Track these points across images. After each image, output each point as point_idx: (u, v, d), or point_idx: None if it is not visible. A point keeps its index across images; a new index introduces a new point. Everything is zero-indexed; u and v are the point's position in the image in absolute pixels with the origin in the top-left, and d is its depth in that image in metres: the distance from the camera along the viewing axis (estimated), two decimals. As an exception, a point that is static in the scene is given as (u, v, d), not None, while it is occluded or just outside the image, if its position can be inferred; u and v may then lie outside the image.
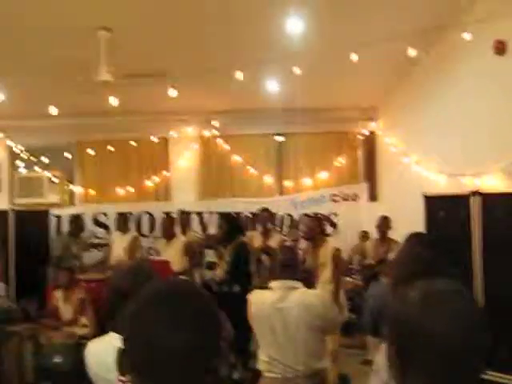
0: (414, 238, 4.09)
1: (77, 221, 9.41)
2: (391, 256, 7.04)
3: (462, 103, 7.09)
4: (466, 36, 6.18)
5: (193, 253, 8.25)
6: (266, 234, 8.16)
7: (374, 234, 8.07)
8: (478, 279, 5.69)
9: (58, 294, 7.10)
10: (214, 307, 1.32)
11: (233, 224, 7.21)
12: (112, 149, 10.60)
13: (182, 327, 1.22)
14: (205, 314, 1.28)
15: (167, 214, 9.48)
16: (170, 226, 8.57)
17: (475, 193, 5.88)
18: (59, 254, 8.80)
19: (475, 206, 5.84)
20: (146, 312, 1.24)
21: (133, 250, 8.64)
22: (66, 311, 7.00)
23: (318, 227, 6.54)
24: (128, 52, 7.06)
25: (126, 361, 1.24)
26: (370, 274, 7.34)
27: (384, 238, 7.57)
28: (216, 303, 1.33)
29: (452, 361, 1.22)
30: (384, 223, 7.68)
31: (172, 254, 7.96)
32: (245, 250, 6.95)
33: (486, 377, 1.31)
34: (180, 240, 8.40)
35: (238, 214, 9.86)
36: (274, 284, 3.90)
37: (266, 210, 8.57)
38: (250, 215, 9.89)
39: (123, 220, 9.13)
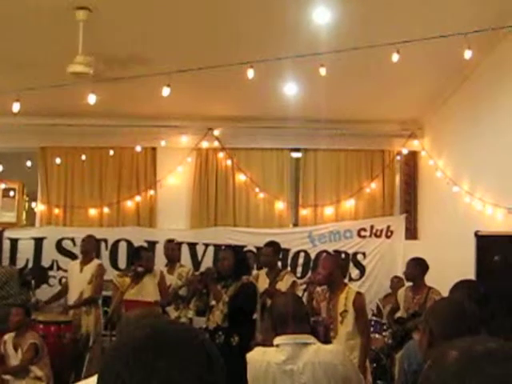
0: (461, 287, 4.13)
1: (36, 246, 9.45)
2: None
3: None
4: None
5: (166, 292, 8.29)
6: (274, 274, 8.16)
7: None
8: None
9: (7, 338, 7.12)
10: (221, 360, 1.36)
11: (241, 258, 7.18)
12: (84, 158, 10.67)
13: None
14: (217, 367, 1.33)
15: (151, 243, 9.50)
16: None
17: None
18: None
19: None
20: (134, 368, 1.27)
21: (99, 283, 8.68)
22: (16, 360, 7.02)
23: (338, 268, 6.55)
24: (111, 38, 7.17)
25: None
26: (401, 330, 7.33)
27: (419, 285, 7.58)
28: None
29: None
30: (416, 267, 7.68)
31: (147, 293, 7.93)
32: (252, 293, 6.93)
33: None
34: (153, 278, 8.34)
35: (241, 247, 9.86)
36: (279, 340, 3.89)
37: (272, 244, 8.54)
38: (255, 250, 9.89)
39: (92, 246, 9.13)
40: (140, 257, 8.11)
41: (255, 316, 7.08)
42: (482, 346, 1.35)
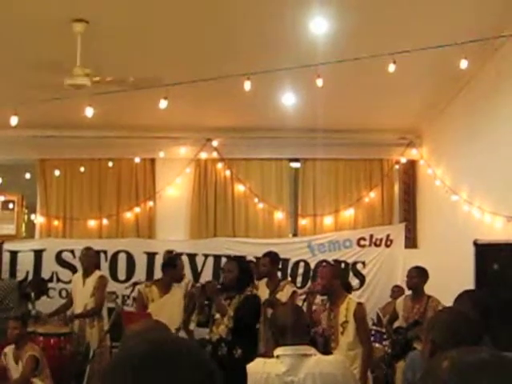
0: (465, 297, 4.13)
1: (36, 258, 9.43)
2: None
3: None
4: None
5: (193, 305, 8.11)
6: (274, 284, 8.13)
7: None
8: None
9: (8, 351, 7.09)
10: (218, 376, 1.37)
11: (245, 269, 7.10)
12: (83, 170, 10.67)
13: None
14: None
15: (150, 254, 9.49)
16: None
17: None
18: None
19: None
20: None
21: (100, 295, 8.61)
22: (17, 373, 6.99)
23: (337, 278, 6.53)
24: (108, 50, 7.19)
25: None
26: (401, 339, 7.31)
27: (419, 294, 7.56)
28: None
29: None
30: (420, 276, 7.66)
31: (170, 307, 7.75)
32: (255, 307, 6.86)
33: None
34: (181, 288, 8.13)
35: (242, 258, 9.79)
36: (280, 351, 3.88)
37: (269, 254, 8.47)
38: (255, 260, 9.86)
39: (92, 258, 9.06)
40: (176, 266, 7.97)
41: (258, 325, 7.05)
42: (473, 357, 1.36)
